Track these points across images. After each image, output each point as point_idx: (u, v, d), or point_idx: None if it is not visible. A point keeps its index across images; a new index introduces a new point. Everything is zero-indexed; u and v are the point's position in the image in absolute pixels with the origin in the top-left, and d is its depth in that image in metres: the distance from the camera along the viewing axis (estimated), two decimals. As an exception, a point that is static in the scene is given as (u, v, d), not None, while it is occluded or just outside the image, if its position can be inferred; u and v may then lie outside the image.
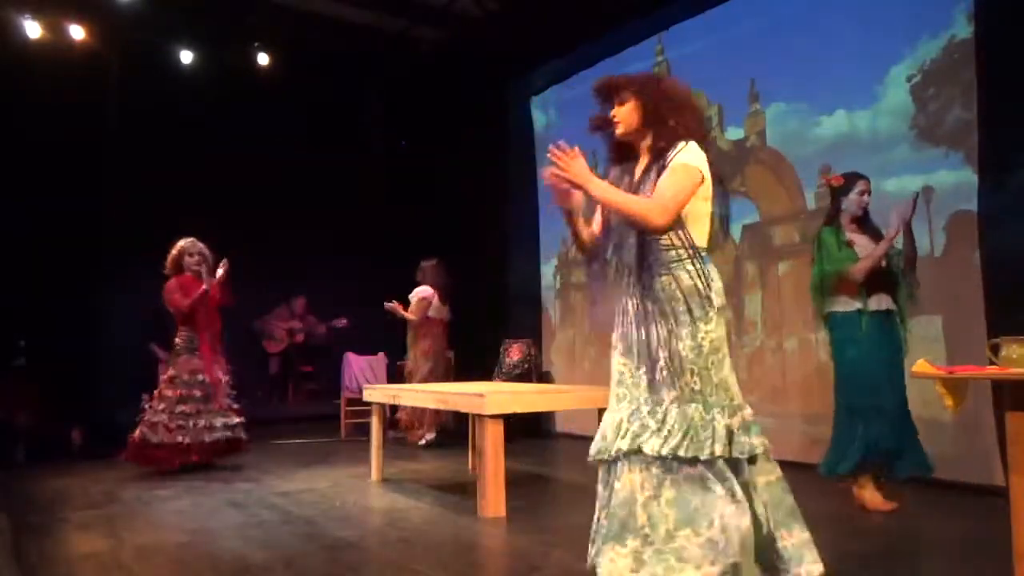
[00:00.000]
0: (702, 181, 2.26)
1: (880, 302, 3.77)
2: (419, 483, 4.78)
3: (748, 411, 2.30)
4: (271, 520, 3.77)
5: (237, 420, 5.23)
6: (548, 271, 7.83)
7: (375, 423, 4.95)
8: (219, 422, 5.08)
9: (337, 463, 5.61)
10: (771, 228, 5.56)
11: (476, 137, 8.26)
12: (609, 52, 6.88)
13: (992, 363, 2.35)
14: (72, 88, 7.21)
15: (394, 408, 6.22)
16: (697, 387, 2.22)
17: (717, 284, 2.30)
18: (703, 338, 2.22)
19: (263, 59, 8.10)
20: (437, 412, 6.05)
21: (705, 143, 2.33)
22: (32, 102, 7.00)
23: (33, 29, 7.00)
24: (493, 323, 7.09)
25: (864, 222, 3.88)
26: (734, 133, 5.88)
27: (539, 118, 8.06)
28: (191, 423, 4.97)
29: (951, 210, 4.48)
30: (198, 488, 4.63)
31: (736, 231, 5.82)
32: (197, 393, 5.05)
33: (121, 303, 7.02)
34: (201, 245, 5.30)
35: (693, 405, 2.20)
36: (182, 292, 5.12)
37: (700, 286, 2.23)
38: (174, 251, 5.24)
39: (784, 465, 2.40)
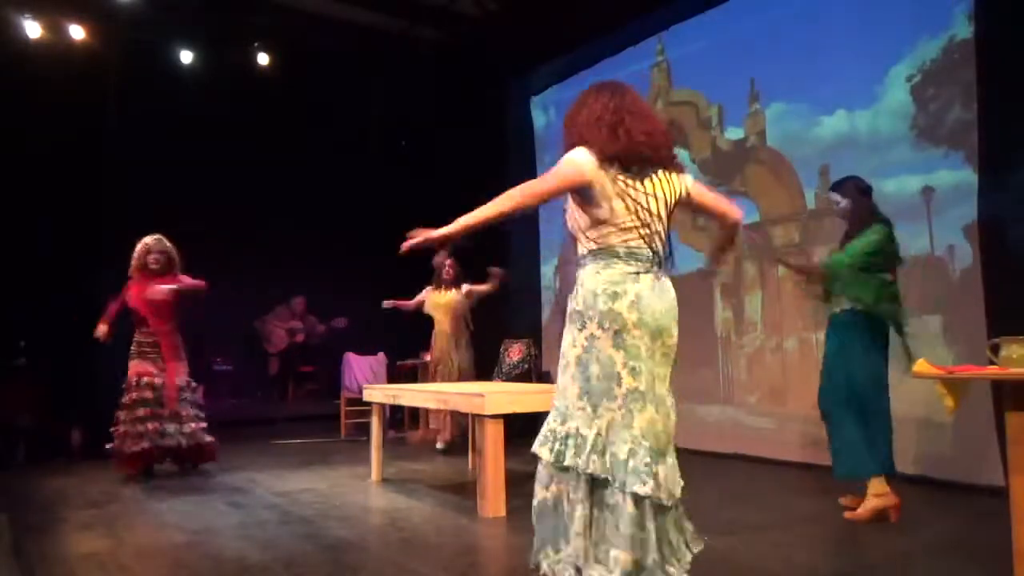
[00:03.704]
0: (568, 179, 2.23)
1: (837, 303, 3.76)
2: (419, 483, 4.78)
3: (574, 425, 2.21)
4: (271, 520, 3.77)
5: (194, 427, 5.00)
6: (548, 271, 7.83)
7: (375, 423, 4.95)
8: (171, 427, 4.89)
9: (337, 463, 5.61)
10: (771, 228, 5.56)
11: (476, 137, 8.26)
12: (609, 52, 6.88)
13: (992, 363, 2.35)
14: (72, 88, 7.21)
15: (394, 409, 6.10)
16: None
17: (583, 290, 2.25)
18: (564, 341, 2.33)
19: (263, 59, 8.10)
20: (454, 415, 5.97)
21: (594, 144, 2.25)
22: (32, 102, 7.00)
23: (33, 29, 7.00)
24: (493, 323, 7.09)
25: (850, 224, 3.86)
26: (734, 133, 5.88)
27: (539, 118, 8.06)
28: (147, 427, 4.83)
29: (951, 210, 4.48)
30: (198, 488, 4.63)
31: (736, 231, 5.83)
32: (148, 395, 4.88)
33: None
34: (167, 244, 5.11)
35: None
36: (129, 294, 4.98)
37: (575, 291, 2.31)
38: (140, 248, 5.05)
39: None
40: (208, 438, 5.11)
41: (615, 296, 2.20)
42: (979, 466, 4.10)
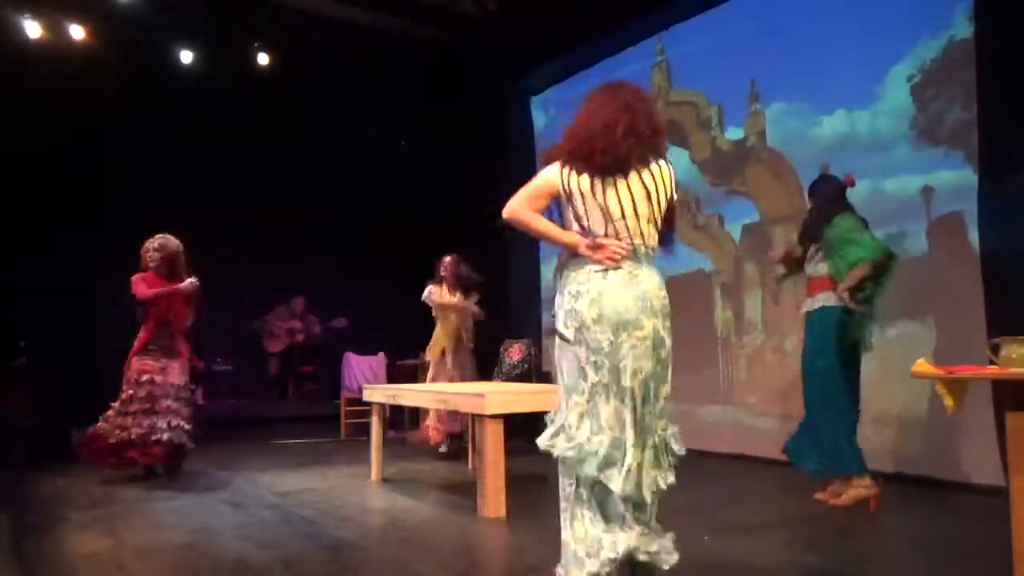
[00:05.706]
0: (546, 188, 2.42)
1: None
2: (419, 483, 4.78)
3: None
4: (271, 520, 3.77)
5: (182, 423, 4.91)
6: (548, 271, 7.82)
7: (375, 423, 4.95)
8: (162, 423, 4.81)
9: (337, 463, 5.61)
10: (771, 228, 5.56)
11: (476, 137, 8.26)
12: (609, 52, 6.88)
13: (992, 363, 2.35)
14: (72, 88, 7.22)
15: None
16: None
17: (562, 294, 2.38)
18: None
19: (263, 59, 8.11)
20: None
21: (566, 155, 2.39)
22: (32, 102, 7.00)
23: (33, 29, 7.00)
24: (493, 323, 7.08)
25: None
26: (734, 133, 5.88)
27: (539, 118, 8.06)
28: (134, 422, 4.76)
29: (951, 210, 4.48)
30: (198, 488, 4.63)
31: (736, 231, 5.83)
32: (142, 394, 4.82)
33: (121, 303, 7.02)
34: (170, 243, 5.09)
35: None
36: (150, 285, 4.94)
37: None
38: (169, 246, 5.05)
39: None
40: (188, 443, 4.97)
41: (577, 296, 2.31)
42: (979, 466, 4.10)
